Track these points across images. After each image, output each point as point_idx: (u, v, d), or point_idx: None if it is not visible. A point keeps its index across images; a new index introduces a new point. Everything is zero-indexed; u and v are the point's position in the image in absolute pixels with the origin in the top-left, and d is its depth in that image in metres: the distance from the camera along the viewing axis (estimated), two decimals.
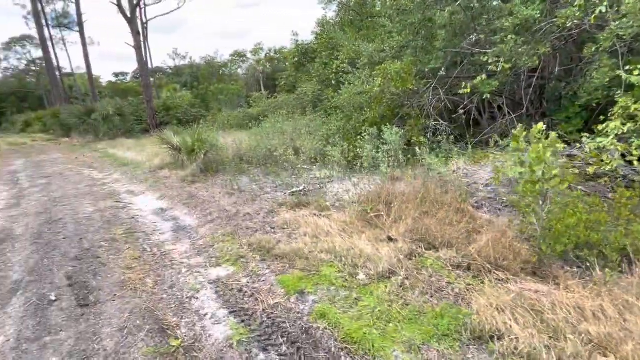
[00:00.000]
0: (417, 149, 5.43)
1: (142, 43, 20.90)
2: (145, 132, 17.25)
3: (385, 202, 3.98)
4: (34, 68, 42.61)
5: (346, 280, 2.69)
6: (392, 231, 3.43)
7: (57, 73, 29.86)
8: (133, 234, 4.09)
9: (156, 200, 5.63)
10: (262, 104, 17.69)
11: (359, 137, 6.71)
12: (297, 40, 16.42)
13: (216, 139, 8.03)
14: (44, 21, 26.29)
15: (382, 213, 3.77)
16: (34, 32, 31.41)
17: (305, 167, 7.11)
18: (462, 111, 6.52)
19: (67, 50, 47.15)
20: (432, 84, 6.88)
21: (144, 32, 25.14)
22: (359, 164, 6.12)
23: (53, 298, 2.70)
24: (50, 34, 28.50)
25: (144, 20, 25.51)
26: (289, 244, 3.38)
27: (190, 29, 68.43)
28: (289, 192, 5.64)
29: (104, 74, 67.32)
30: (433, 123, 6.65)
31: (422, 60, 7.35)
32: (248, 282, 2.82)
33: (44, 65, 31.41)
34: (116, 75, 53.64)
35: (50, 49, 27.15)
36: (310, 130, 9.14)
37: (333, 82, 12.40)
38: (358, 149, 6.33)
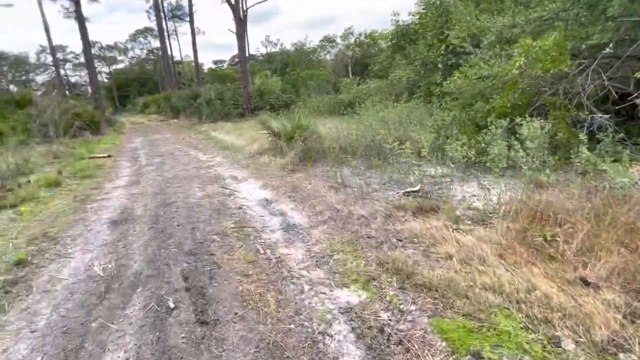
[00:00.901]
0: (583, 148, 4.13)
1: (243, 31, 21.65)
2: (241, 116, 17.97)
3: (557, 222, 2.94)
4: (152, 57, 48.39)
5: (544, 347, 1.82)
6: (584, 270, 2.42)
7: (170, 61, 33.18)
8: (243, 229, 3.76)
9: (260, 190, 5.35)
10: (352, 90, 16.97)
11: (484, 129, 5.55)
12: (398, 21, 15.08)
13: (316, 125, 7.56)
14: (162, 14, 29.12)
15: (558, 238, 2.75)
16: (153, 25, 35.27)
17: (414, 162, 6.22)
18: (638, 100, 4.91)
19: (178, 40, 52.31)
20: (591, 65, 5.33)
21: (244, 20, 26.14)
22: (486, 163, 5.02)
23: (171, 305, 2.39)
24: (166, 25, 31.53)
25: (244, 9, 26.49)
26: (433, 269, 2.61)
27: (280, 18, 70.31)
28: (403, 191, 4.85)
29: (204, 61, 73.60)
30: (588, 115, 5.14)
31: (576, 35, 5.76)
32: (390, 320, 2.15)
33: (160, 54, 35.20)
34: (215, 62, 58.48)
35: (166, 39, 30.08)
36: (413, 120, 8.15)
37: (439, 65, 11.01)
38: (482, 144, 5.22)
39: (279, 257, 3.06)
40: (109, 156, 8.99)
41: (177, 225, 3.93)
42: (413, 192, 4.77)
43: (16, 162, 7.15)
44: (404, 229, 3.43)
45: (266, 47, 42.36)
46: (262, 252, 3.18)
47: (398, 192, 4.84)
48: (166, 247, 3.36)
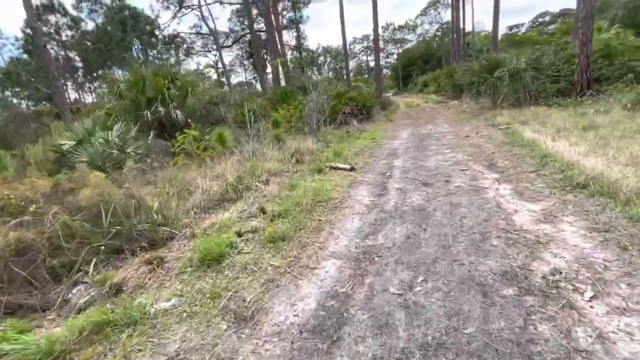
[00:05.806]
0: None
1: None
2: (563, 96, 10.70)
3: None
4: (439, 31, 44.88)
5: None
6: None
7: (461, 32, 28.09)
8: None
9: None
10: None
11: None
12: None
13: None
14: None
15: None
16: None
17: None
18: None
19: (473, 5, 45.84)
20: None
21: None
22: None
23: None
24: None
25: None
26: None
27: None
28: None
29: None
30: None
31: None
32: None
33: (449, 25, 30.71)
34: (510, 28, 48.73)
35: (460, 4, 25.16)
36: None
37: None
38: None
39: None
40: (351, 169, 5.77)
41: None
42: None
43: (239, 174, 5.08)
44: None
45: None
46: None
47: None
48: None
